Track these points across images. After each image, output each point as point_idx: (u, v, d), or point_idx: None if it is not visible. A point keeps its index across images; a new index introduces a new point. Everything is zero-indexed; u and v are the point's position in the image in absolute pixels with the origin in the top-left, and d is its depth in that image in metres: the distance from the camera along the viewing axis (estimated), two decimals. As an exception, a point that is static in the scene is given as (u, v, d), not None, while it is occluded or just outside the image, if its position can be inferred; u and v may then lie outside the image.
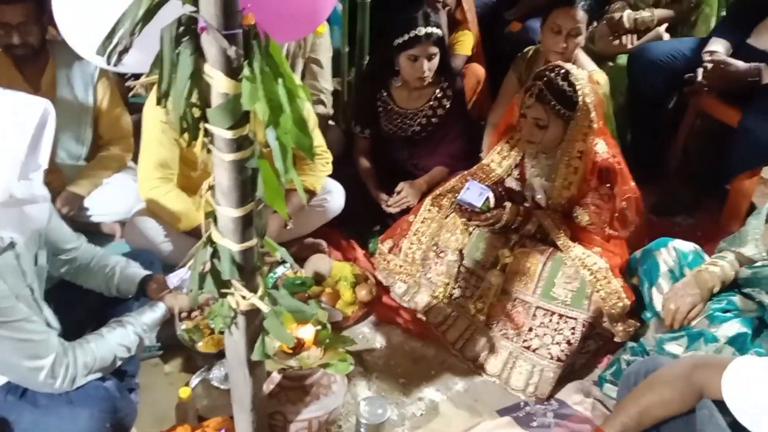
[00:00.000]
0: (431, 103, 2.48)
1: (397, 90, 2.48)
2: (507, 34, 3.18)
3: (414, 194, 2.42)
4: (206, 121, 1.08)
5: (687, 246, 1.92)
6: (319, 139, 2.24)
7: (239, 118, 1.05)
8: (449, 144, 2.54)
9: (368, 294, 2.19)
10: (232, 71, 1.00)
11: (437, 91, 2.47)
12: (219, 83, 1.01)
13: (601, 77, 2.41)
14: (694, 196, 2.73)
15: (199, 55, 1.01)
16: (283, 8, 0.97)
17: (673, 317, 1.77)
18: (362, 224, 2.48)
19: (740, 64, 2.39)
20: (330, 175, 2.31)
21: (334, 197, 2.33)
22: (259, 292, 1.27)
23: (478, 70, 2.99)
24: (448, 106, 2.48)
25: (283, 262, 2.20)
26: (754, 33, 2.50)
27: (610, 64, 2.83)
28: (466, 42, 3.01)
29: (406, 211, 2.37)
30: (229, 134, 1.06)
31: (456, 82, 2.50)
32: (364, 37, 2.66)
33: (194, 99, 1.06)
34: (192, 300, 1.33)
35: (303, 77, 2.61)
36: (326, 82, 2.64)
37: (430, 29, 2.25)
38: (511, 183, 2.22)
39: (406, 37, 2.26)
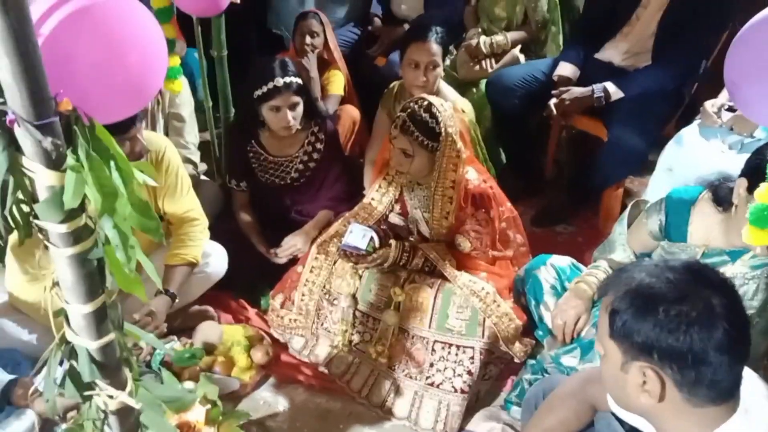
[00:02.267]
0: (304, 148, 2.49)
1: (267, 139, 2.46)
2: (373, 69, 3.26)
3: (303, 241, 2.40)
4: (36, 216, 0.99)
5: (563, 261, 2.02)
6: (192, 204, 2.16)
7: (71, 209, 0.97)
8: (330, 187, 2.55)
9: (265, 355, 2.12)
10: (54, 162, 0.93)
11: (308, 136, 2.48)
12: (41, 177, 0.93)
13: (466, 105, 2.51)
14: (570, 205, 2.89)
15: (15, 148, 0.93)
16: (102, 89, 0.92)
17: (562, 331, 1.83)
18: (251, 281, 2.42)
19: (580, 92, 2.58)
20: (210, 236, 2.24)
21: (215, 260, 2.25)
22: (128, 387, 1.18)
23: (353, 111, 3.05)
24: (322, 149, 2.50)
25: (168, 334, 2.09)
26: (601, 48, 2.72)
27: (474, 90, 2.97)
28: (336, 81, 3.07)
29: (294, 262, 2.34)
30: (62, 228, 0.98)
31: (326, 125, 2.52)
32: (226, 89, 2.63)
33: (21, 194, 0.97)
34: (50, 409, 1.21)
35: (167, 133, 2.53)
36: (191, 136, 2.59)
37: (288, 79, 2.26)
38: (395, 219, 2.25)
39: (264, 89, 2.25)
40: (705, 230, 1.67)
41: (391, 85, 2.72)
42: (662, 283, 1.03)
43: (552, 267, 2.01)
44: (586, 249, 2.62)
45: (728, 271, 1.61)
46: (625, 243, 1.87)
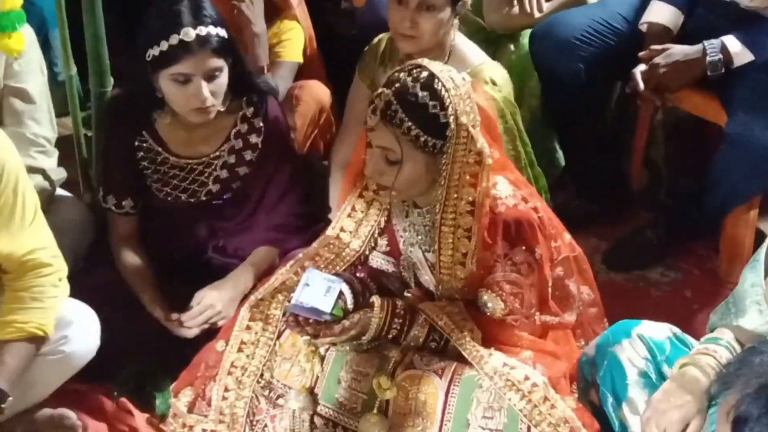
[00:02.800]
0: (231, 143, 2.50)
1: (169, 129, 2.48)
2: (349, 17, 3.29)
3: (222, 301, 2.39)
4: None
5: (659, 331, 2.01)
6: (39, 240, 2.13)
7: None
8: (273, 208, 2.56)
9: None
10: None
11: (238, 123, 2.49)
12: None
13: (497, 74, 2.54)
14: (671, 236, 2.90)
15: None
16: None
17: None
18: (139, 368, 2.41)
19: (683, 53, 2.60)
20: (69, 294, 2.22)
21: (80, 332, 2.22)
22: None
23: (319, 91, 3.09)
24: (259, 144, 2.51)
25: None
26: None
27: (512, 47, 2.99)
28: (293, 40, 3.11)
29: (212, 334, 2.33)
30: None
31: (267, 105, 2.54)
32: (101, 49, 2.61)
33: None
34: None
35: (1, 122, 2.53)
36: (42, 126, 2.59)
37: (203, 29, 2.26)
38: (380, 261, 2.26)
39: (164, 46, 2.25)
40: None
41: (376, 39, 2.73)
42: None
43: (641, 340, 2.00)
44: (698, 310, 2.64)
45: None
46: (763, 300, 1.87)
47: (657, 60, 2.61)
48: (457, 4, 2.55)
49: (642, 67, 2.64)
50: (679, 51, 2.62)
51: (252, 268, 2.48)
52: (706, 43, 2.58)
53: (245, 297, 2.35)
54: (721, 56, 2.57)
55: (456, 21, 2.59)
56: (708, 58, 2.57)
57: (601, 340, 2.07)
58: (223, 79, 2.34)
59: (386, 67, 2.63)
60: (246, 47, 2.83)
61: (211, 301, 2.39)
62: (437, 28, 2.49)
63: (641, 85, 2.63)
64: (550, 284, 2.13)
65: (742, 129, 2.57)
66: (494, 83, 2.49)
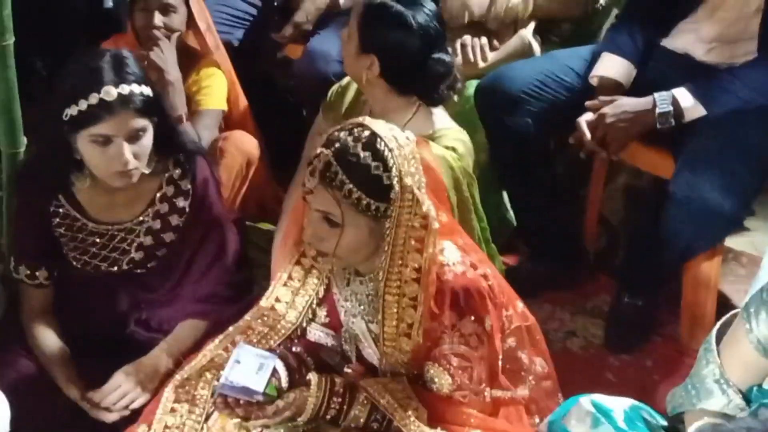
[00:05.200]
0: (156, 207, 2.49)
1: (88, 193, 2.46)
2: (281, 66, 3.32)
3: (144, 380, 2.37)
4: None
5: (613, 400, 2.00)
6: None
7: None
8: (201, 277, 2.55)
9: None
10: None
11: (163, 185, 2.49)
12: None
13: (460, 142, 2.59)
14: (637, 304, 2.92)
15: None
16: None
17: None
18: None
19: (632, 104, 2.65)
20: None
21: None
22: None
23: (246, 142, 3.09)
24: (188, 208, 2.51)
25: None
26: (672, 31, 2.81)
27: (456, 99, 2.99)
28: (215, 87, 3.12)
29: (133, 417, 2.29)
30: None
31: (196, 166, 2.53)
32: (13, 106, 2.59)
33: None
34: None
35: None
36: None
37: (126, 88, 2.25)
38: (317, 334, 2.26)
39: (83, 105, 2.23)
40: None
41: (345, 80, 2.81)
42: None
43: (591, 406, 1.99)
44: (659, 381, 2.66)
45: None
46: (721, 378, 1.88)
47: (605, 110, 2.65)
48: None
49: (589, 116, 2.67)
50: (628, 102, 2.66)
51: (176, 343, 2.46)
52: (656, 95, 2.63)
53: (169, 376, 2.31)
54: (671, 108, 2.61)
55: None
56: (658, 110, 2.61)
57: (552, 416, 2.07)
58: (147, 139, 2.33)
59: (350, 116, 2.66)
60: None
61: (125, 378, 2.36)
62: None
63: (587, 135, 2.66)
64: (501, 357, 2.12)
65: (687, 190, 2.60)
66: (455, 150, 2.51)
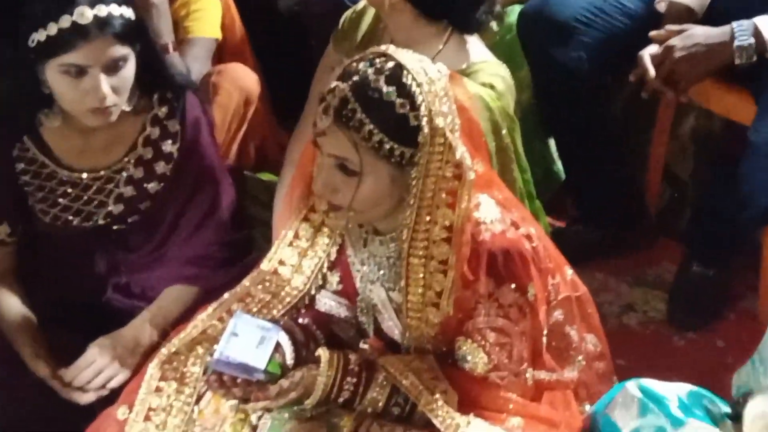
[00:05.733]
0: (138, 152, 2.51)
1: (57, 135, 2.48)
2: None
3: (123, 355, 2.41)
4: None
5: (666, 386, 2.02)
6: None
7: None
8: (191, 235, 2.58)
9: None
10: None
11: (147, 126, 2.51)
12: None
13: (499, 78, 2.59)
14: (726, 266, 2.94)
15: None
16: None
17: None
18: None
19: (705, 35, 2.64)
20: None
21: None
22: None
23: (244, 76, 3.12)
24: (175, 153, 2.53)
25: None
26: None
27: (495, 28, 2.96)
28: (207, 11, 3.13)
29: (112, 398, 2.32)
30: None
31: (185, 102, 2.55)
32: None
33: None
34: None
35: None
36: None
37: (103, 9, 2.26)
38: (328, 303, 2.27)
39: (53, 29, 2.25)
40: None
41: (360, 4, 2.81)
42: None
43: (639, 391, 2.02)
44: (733, 364, 2.63)
45: None
46: None
47: (672, 42, 2.64)
48: None
49: (653, 48, 2.66)
50: (701, 32, 2.65)
51: (161, 312, 2.50)
52: (735, 24, 2.61)
53: (154, 350, 2.33)
54: (752, 41, 2.60)
55: None
56: (736, 43, 2.59)
57: (596, 406, 2.11)
58: (129, 71, 2.34)
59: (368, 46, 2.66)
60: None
61: (99, 352, 2.39)
62: None
63: (651, 72, 2.64)
64: (545, 332, 2.13)
65: None
66: (493, 87, 2.51)
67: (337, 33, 2.89)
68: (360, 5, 2.85)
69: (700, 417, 1.96)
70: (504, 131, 2.54)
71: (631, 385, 2.04)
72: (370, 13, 2.81)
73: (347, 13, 2.89)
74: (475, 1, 2.56)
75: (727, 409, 2.02)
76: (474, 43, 2.65)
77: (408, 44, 2.36)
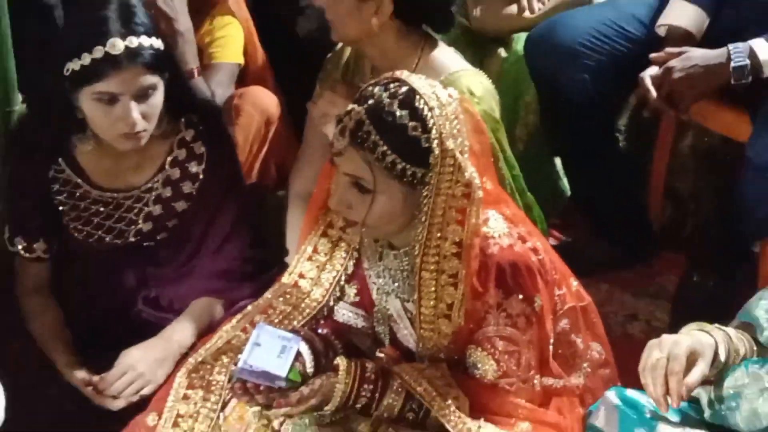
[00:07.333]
0: (166, 173, 2.53)
1: (90, 158, 2.50)
2: (301, 13, 3.34)
3: (153, 364, 2.41)
4: None
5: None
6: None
7: None
8: (216, 251, 2.59)
9: None
10: None
11: (174, 149, 2.53)
12: None
13: (477, 84, 2.58)
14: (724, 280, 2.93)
15: None
16: None
17: (663, 382, 1.84)
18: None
19: (703, 57, 2.65)
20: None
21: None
22: None
23: (264, 99, 3.13)
24: (201, 174, 2.55)
25: None
26: None
27: (503, 53, 3.06)
28: (230, 38, 3.16)
29: (143, 404, 2.35)
30: None
31: (213, 125, 2.58)
32: (7, 62, 2.65)
33: None
34: None
35: None
36: None
37: (134, 41, 2.29)
38: (346, 314, 2.29)
39: (86, 59, 2.27)
40: None
41: (339, 46, 2.78)
42: None
43: (618, 399, 2.04)
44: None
45: None
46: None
47: (672, 63, 2.65)
48: None
49: (654, 70, 2.68)
50: (699, 54, 2.66)
51: (189, 323, 2.49)
52: (731, 46, 2.62)
53: (182, 360, 2.36)
54: (748, 62, 2.60)
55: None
56: (733, 64, 2.60)
57: (588, 415, 2.13)
58: (158, 98, 2.36)
59: (352, 80, 2.68)
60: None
61: (132, 362, 2.39)
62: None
63: (652, 92, 2.67)
64: (552, 340, 2.16)
65: (766, 154, 2.60)
66: (472, 94, 2.51)
67: (321, 74, 2.87)
68: (338, 47, 2.84)
69: (672, 423, 1.98)
70: (488, 132, 2.52)
71: (611, 394, 2.06)
72: (347, 51, 2.80)
73: (328, 57, 2.87)
74: None
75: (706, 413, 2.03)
76: (449, 55, 2.65)
77: (388, 66, 2.38)
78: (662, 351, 1.87)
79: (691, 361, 1.85)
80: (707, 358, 1.86)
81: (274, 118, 3.11)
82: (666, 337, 1.91)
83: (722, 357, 1.90)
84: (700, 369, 1.84)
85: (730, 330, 1.98)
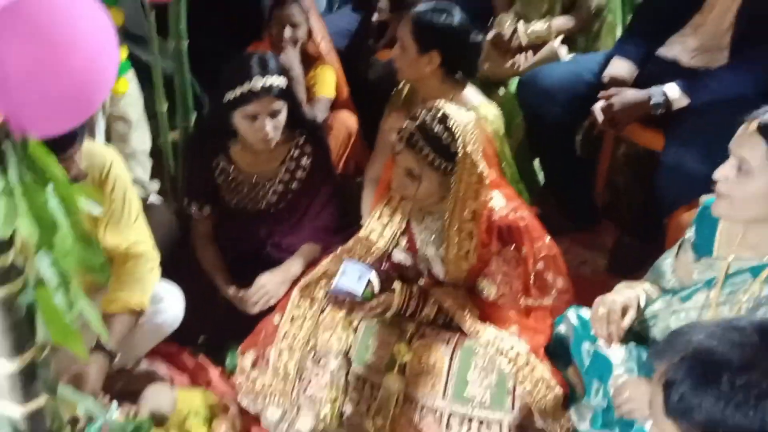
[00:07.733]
0: (286, 165, 2.56)
1: (239, 153, 2.54)
2: (375, 65, 3.35)
3: (277, 285, 2.44)
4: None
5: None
6: (140, 235, 2.19)
7: (-1, 243, 1.02)
8: (317, 214, 2.62)
9: (230, 429, 2.15)
10: (-22, 188, 0.98)
11: (292, 149, 2.56)
12: (-39, 203, 0.98)
13: (490, 111, 2.57)
14: (632, 243, 2.93)
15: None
16: (39, 96, 0.97)
17: (605, 327, 1.88)
18: (214, 333, 2.47)
19: (633, 96, 2.63)
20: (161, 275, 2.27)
21: (168, 306, 2.28)
22: (60, 469, 1.22)
23: (347, 119, 3.13)
24: (308, 166, 2.58)
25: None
26: (666, 43, 2.79)
27: (501, 92, 3.05)
28: (326, 81, 3.16)
29: (270, 310, 2.39)
30: (-16, 266, 1.03)
31: (316, 135, 2.61)
32: (186, 90, 2.70)
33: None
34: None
35: (108, 139, 2.61)
36: (139, 142, 2.67)
37: (269, 80, 2.32)
38: (400, 256, 2.30)
39: (238, 92, 2.32)
40: (729, 237, 1.77)
41: (401, 85, 2.79)
42: (726, 347, 1.08)
43: (575, 317, 2.08)
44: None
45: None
46: (670, 271, 1.95)
47: (613, 99, 2.63)
48: None
49: (601, 103, 2.67)
50: (630, 93, 2.63)
51: (301, 259, 2.52)
52: (652, 89, 2.61)
53: (296, 282, 2.39)
54: (663, 99, 2.59)
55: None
56: (653, 101, 2.58)
57: (555, 323, 2.16)
58: (283, 117, 2.40)
59: (409, 105, 2.68)
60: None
61: (263, 283, 2.43)
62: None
63: (600, 118, 2.66)
64: (532, 275, 2.18)
65: (675, 159, 2.58)
66: (486, 118, 2.52)
67: (389, 103, 2.86)
68: (400, 86, 2.82)
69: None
70: (498, 144, 2.54)
71: (571, 313, 2.09)
72: (407, 87, 2.79)
73: (394, 92, 2.85)
74: (477, 55, 2.59)
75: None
76: (473, 92, 2.63)
77: (432, 98, 2.31)
78: (605, 307, 1.91)
79: (624, 310, 1.89)
80: (634, 308, 1.90)
81: (353, 133, 3.12)
82: (607, 296, 1.94)
83: (642, 304, 1.93)
84: (630, 316, 1.89)
85: (646, 284, 2.00)
